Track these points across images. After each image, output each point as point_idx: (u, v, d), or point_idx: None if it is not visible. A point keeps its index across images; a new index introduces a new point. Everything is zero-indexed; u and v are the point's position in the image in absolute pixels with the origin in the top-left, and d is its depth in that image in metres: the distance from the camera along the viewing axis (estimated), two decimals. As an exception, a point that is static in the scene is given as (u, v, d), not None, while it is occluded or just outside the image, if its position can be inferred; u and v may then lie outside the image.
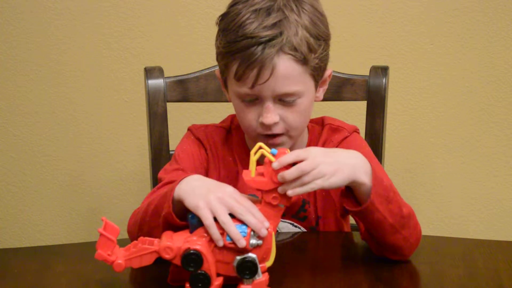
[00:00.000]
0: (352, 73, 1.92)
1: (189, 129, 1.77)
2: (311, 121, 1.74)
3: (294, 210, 1.70)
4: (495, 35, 2.37)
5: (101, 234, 1.41)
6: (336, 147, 1.69)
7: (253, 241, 1.37)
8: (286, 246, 1.64)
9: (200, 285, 1.38)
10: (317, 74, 1.61)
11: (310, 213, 1.70)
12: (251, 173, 1.39)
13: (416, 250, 1.63)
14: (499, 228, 2.47)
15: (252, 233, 1.37)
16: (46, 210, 2.48)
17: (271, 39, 1.56)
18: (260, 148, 1.40)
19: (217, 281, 1.39)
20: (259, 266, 1.37)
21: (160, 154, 1.90)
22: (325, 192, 1.69)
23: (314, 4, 1.62)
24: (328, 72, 1.66)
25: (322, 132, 1.72)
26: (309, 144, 1.72)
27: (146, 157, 1.98)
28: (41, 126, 2.43)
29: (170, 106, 1.94)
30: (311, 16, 1.60)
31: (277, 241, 1.55)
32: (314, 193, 1.69)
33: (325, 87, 1.69)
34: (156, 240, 1.40)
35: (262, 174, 1.40)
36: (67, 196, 2.47)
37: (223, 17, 1.63)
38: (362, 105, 1.93)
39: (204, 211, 1.39)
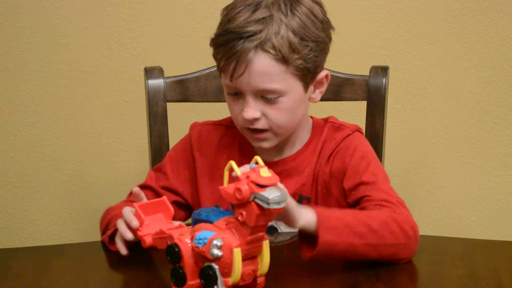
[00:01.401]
0: (352, 73, 1.92)
1: (191, 127, 1.80)
2: (318, 120, 1.75)
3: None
4: (495, 35, 2.37)
5: (136, 209, 1.51)
6: (338, 145, 1.70)
7: (214, 251, 1.35)
8: (285, 246, 1.64)
9: (174, 279, 1.40)
10: (303, 74, 1.62)
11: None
12: (224, 183, 1.37)
13: (416, 250, 1.63)
14: (499, 228, 2.47)
15: (213, 242, 1.35)
16: (46, 210, 2.48)
17: (252, 35, 1.58)
18: (255, 162, 1.37)
19: (192, 281, 1.39)
20: (221, 278, 1.36)
21: (160, 154, 1.90)
22: (326, 190, 1.69)
23: (312, 8, 1.62)
24: (323, 73, 1.67)
25: (323, 130, 1.72)
26: (310, 140, 1.72)
27: (146, 157, 1.98)
28: (41, 126, 2.43)
29: (170, 106, 1.94)
30: (302, 18, 1.60)
31: (276, 242, 1.55)
32: (315, 190, 1.70)
33: (322, 89, 1.69)
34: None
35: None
36: (67, 196, 2.47)
37: (224, 9, 1.66)
38: (362, 105, 1.93)
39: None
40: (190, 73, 1.95)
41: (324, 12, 1.65)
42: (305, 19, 1.61)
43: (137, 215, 1.52)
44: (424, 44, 2.38)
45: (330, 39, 1.67)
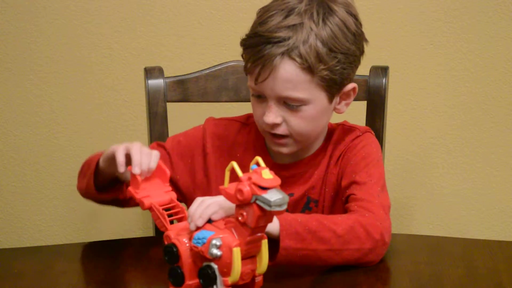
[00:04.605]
0: (352, 73, 1.92)
1: (206, 120, 1.79)
2: (332, 124, 1.75)
3: (298, 208, 1.70)
4: (495, 35, 2.37)
5: (131, 173, 1.52)
6: (347, 146, 1.69)
7: (213, 250, 1.35)
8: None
9: (172, 279, 1.40)
10: (328, 86, 1.61)
11: (316, 213, 1.70)
12: (225, 183, 1.37)
13: (415, 250, 1.63)
14: (499, 228, 2.47)
15: (212, 242, 1.35)
16: (46, 210, 2.48)
17: (280, 41, 1.57)
18: (256, 163, 1.37)
19: (191, 281, 1.39)
20: (220, 278, 1.36)
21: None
22: (334, 193, 1.69)
23: (345, 20, 1.61)
24: (350, 86, 1.66)
25: (335, 133, 1.72)
26: (324, 144, 1.72)
27: (146, 157, 1.97)
28: (41, 126, 2.43)
29: (170, 106, 1.94)
30: (333, 29, 1.59)
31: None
32: (323, 193, 1.69)
33: (349, 101, 1.68)
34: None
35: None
36: (67, 196, 2.47)
37: (260, 9, 1.65)
38: (362, 105, 1.93)
39: (119, 147, 1.58)
40: (190, 73, 1.95)
41: (358, 25, 1.64)
42: (336, 30, 1.60)
43: (133, 179, 1.51)
44: (424, 44, 2.38)
45: (361, 52, 1.66)
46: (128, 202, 1.67)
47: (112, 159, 1.58)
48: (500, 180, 2.45)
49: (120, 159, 1.55)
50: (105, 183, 1.66)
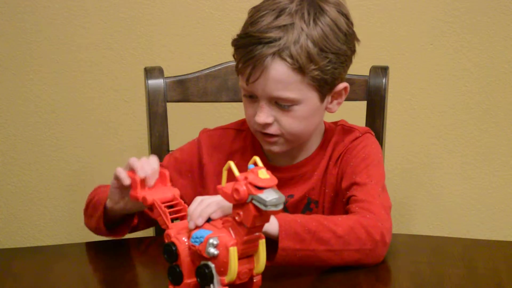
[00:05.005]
0: (352, 73, 1.92)
1: (200, 132, 1.79)
2: (329, 124, 1.75)
3: (299, 209, 1.70)
4: (495, 35, 2.37)
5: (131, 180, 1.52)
6: (346, 147, 1.69)
7: (210, 249, 1.35)
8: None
9: (171, 277, 1.40)
10: (320, 85, 1.61)
11: (317, 213, 1.70)
12: (222, 182, 1.37)
13: (416, 250, 1.63)
14: (499, 228, 2.47)
15: (209, 241, 1.35)
16: (46, 210, 2.48)
17: (270, 41, 1.57)
18: (254, 163, 1.37)
19: (189, 280, 1.39)
20: (217, 277, 1.36)
21: (160, 154, 1.90)
22: (334, 193, 1.69)
23: (336, 20, 1.61)
24: (342, 85, 1.66)
25: (334, 133, 1.72)
26: (322, 144, 1.72)
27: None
28: (41, 126, 2.43)
29: (170, 106, 1.94)
30: (324, 29, 1.59)
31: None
32: (323, 193, 1.69)
33: (341, 100, 1.68)
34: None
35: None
36: (67, 196, 2.47)
37: (251, 9, 1.65)
38: (362, 105, 1.93)
39: (117, 169, 1.56)
40: (190, 73, 1.95)
41: (349, 24, 1.64)
42: (327, 30, 1.60)
43: (133, 184, 1.51)
44: (424, 44, 2.38)
45: (353, 51, 1.66)
46: (137, 227, 1.69)
47: (117, 188, 1.57)
48: (500, 180, 2.45)
49: (122, 174, 1.54)
50: (117, 219, 1.66)
